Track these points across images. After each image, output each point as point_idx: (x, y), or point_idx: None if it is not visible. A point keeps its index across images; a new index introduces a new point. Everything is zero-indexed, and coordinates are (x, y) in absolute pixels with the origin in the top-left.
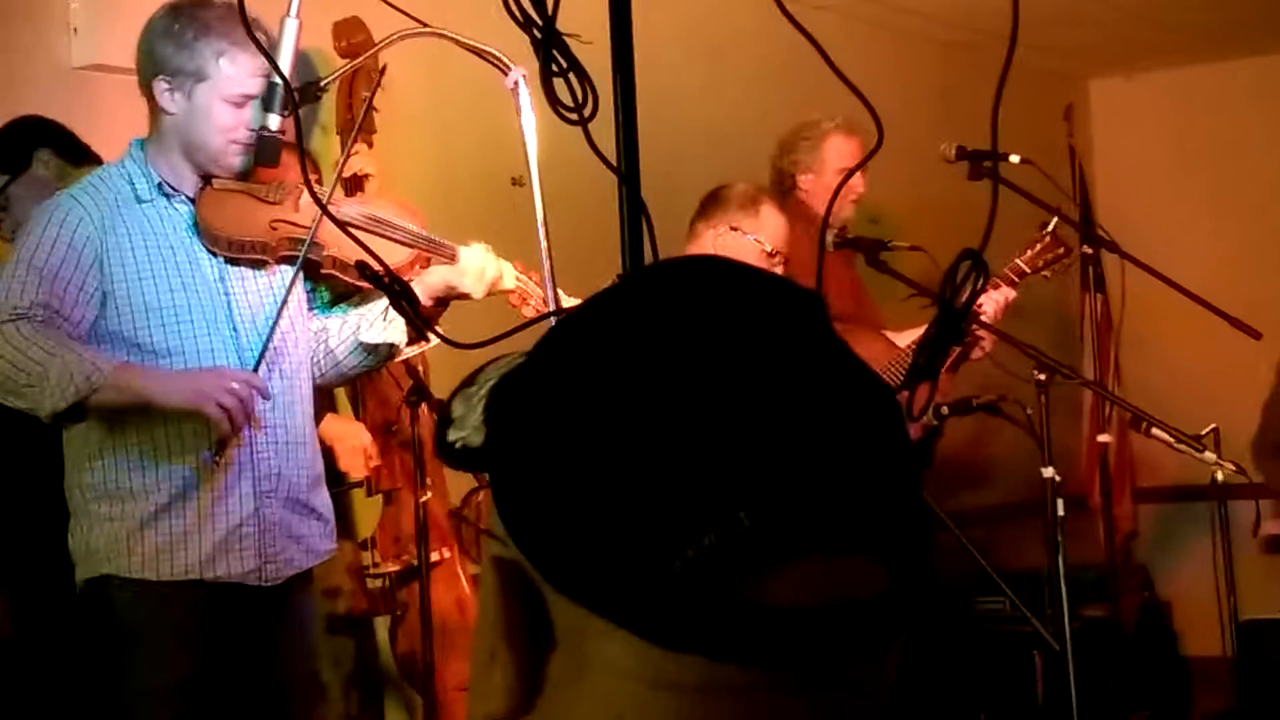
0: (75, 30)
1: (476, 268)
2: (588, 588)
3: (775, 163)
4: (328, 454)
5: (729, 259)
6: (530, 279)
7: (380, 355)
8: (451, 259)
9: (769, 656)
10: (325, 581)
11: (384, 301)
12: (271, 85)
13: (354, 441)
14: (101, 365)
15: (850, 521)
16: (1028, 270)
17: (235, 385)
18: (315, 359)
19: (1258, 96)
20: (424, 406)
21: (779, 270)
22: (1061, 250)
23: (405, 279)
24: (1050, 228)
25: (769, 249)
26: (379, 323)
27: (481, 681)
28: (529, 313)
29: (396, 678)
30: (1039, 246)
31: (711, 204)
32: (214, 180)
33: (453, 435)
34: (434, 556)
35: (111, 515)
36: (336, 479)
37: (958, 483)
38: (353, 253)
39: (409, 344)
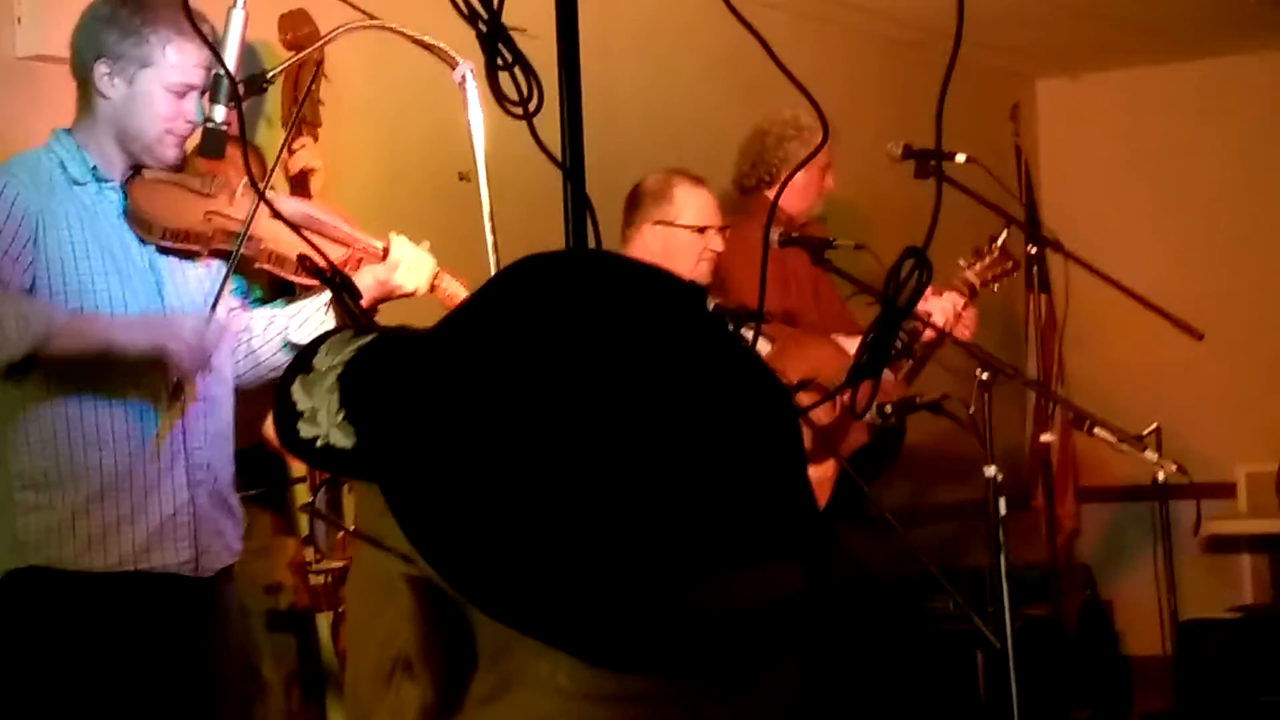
0: (19, 20)
1: (407, 260)
2: (522, 612)
3: (754, 158)
4: (271, 455)
5: (599, 252)
6: (451, 278)
7: None
8: (382, 258)
9: (709, 665)
10: (267, 577)
11: (317, 301)
12: (217, 77)
13: None
14: (56, 310)
15: (768, 526)
16: (976, 283)
17: (195, 326)
18: (235, 358)
19: (1204, 98)
20: None
21: (718, 241)
22: (1010, 264)
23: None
24: (1000, 241)
25: (696, 226)
26: (311, 322)
27: (381, 698)
28: None
29: (339, 674)
30: (989, 259)
31: (630, 207)
32: (145, 170)
33: (307, 431)
34: None
35: (39, 504)
36: (280, 476)
37: (903, 482)
38: (288, 248)
39: None
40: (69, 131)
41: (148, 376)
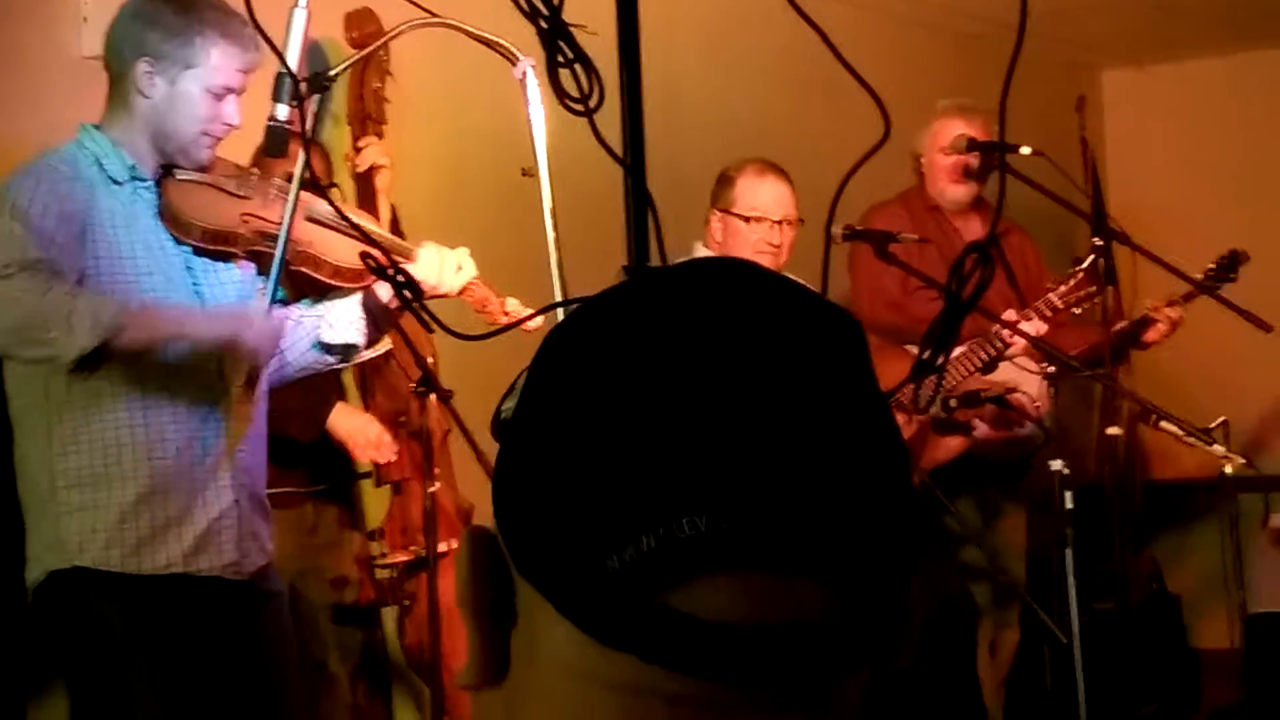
0: (85, 20)
1: (436, 265)
2: (538, 570)
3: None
4: (341, 450)
5: (758, 267)
6: (486, 286)
7: (336, 356)
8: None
9: (696, 666)
10: (334, 571)
11: (348, 301)
12: (279, 75)
13: (367, 435)
14: (127, 302)
15: (802, 545)
16: (1060, 306)
17: (262, 314)
18: None
19: (1271, 89)
20: (432, 397)
21: (775, 234)
22: (1094, 288)
23: (366, 282)
24: (1086, 264)
25: (745, 215)
26: (342, 322)
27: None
28: (487, 319)
29: (404, 668)
30: (1072, 283)
31: (713, 192)
32: (176, 170)
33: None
34: (442, 547)
35: (84, 504)
36: (346, 470)
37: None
38: (324, 250)
39: (367, 346)
40: (99, 127)
41: (207, 377)
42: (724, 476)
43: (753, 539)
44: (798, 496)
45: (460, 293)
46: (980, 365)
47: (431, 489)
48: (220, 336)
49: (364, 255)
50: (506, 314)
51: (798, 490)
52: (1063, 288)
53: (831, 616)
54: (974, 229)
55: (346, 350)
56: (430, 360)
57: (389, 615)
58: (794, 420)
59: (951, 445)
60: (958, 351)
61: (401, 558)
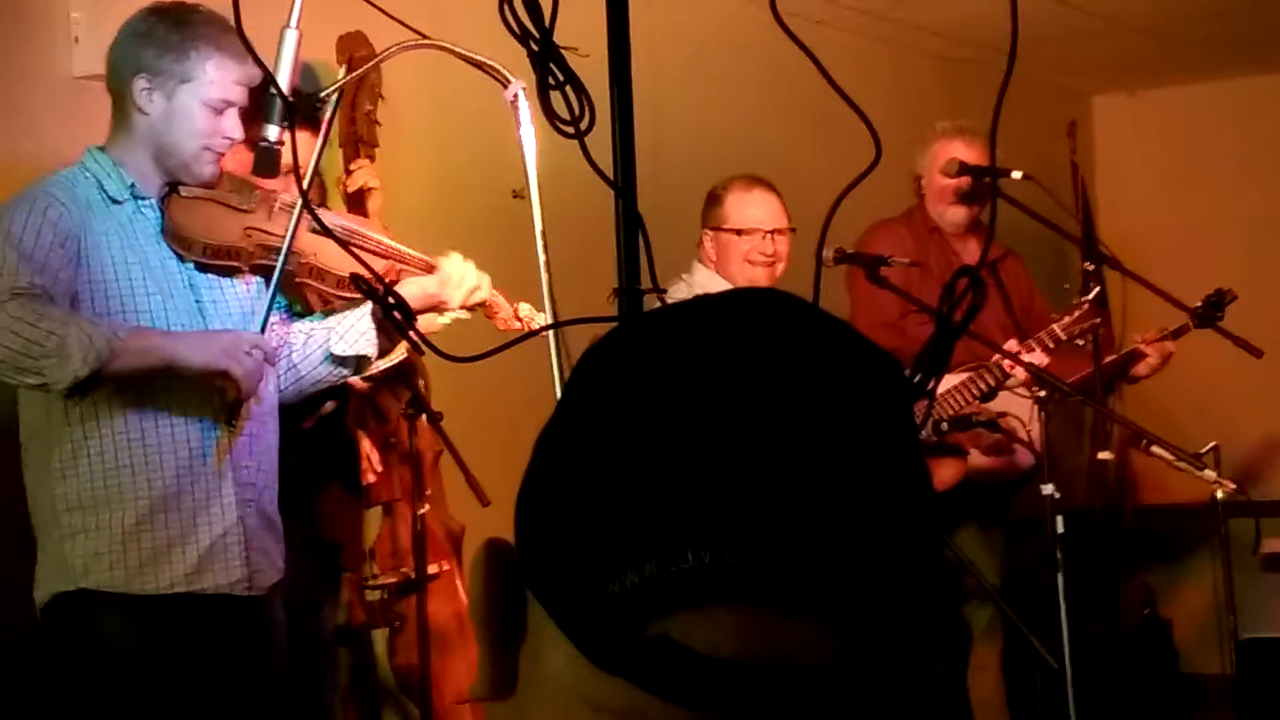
0: (77, 40)
1: (457, 277)
2: (543, 587)
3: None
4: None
5: (801, 301)
6: (498, 293)
7: (349, 368)
8: (427, 271)
9: (683, 696)
10: (323, 592)
11: (359, 313)
12: (270, 96)
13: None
14: (119, 329)
15: (805, 585)
16: (1063, 338)
17: (253, 347)
18: (277, 373)
19: (1261, 114)
20: (422, 419)
21: (768, 245)
22: (1098, 320)
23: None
24: (1092, 295)
25: (736, 229)
26: (352, 334)
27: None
28: (499, 325)
29: (394, 690)
30: (1077, 314)
31: (703, 212)
32: (180, 187)
33: None
34: (432, 569)
35: (87, 526)
36: None
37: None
38: (329, 261)
39: (380, 356)
40: (103, 148)
41: (205, 393)
42: (736, 510)
43: (755, 575)
44: (809, 536)
45: (480, 306)
46: (981, 394)
47: (421, 511)
48: (209, 365)
49: (353, 276)
50: (520, 319)
51: (810, 530)
52: (1067, 318)
53: (824, 661)
54: (972, 251)
55: (359, 362)
56: (421, 382)
57: (379, 637)
58: (816, 460)
59: (946, 476)
60: (958, 380)
61: (391, 579)
